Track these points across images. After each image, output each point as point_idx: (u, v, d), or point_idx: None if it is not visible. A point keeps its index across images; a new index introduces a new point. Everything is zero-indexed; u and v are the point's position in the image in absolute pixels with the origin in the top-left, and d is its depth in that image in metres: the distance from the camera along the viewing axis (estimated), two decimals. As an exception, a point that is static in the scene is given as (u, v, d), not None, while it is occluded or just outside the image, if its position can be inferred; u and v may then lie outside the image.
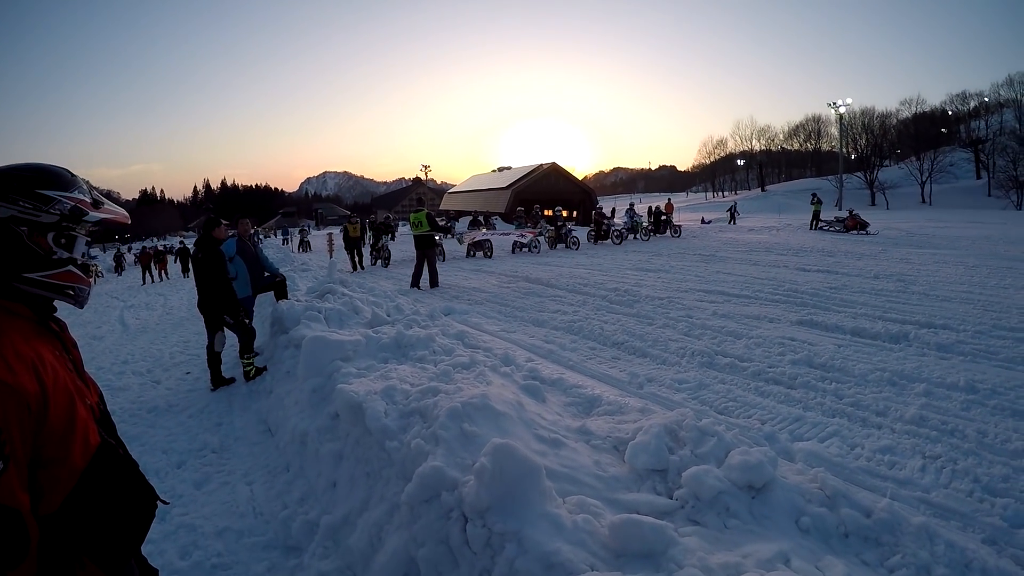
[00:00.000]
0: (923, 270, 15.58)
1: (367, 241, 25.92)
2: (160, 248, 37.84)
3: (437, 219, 19.96)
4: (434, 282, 15.50)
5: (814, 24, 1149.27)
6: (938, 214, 58.19)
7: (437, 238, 24.05)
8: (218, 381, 7.82)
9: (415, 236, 16.11)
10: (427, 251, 15.75)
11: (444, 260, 22.52)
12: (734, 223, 44.82)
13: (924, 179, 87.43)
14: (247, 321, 8.11)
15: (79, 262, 1.73)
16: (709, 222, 45.50)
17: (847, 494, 3.32)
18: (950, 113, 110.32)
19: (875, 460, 4.74)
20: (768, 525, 3.04)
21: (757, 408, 5.92)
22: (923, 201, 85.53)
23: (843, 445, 4.98)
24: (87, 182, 1.78)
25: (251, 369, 7.90)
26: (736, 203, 53.37)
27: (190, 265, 26.21)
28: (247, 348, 7.92)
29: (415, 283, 15.76)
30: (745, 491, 3.18)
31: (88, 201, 1.72)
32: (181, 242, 36.88)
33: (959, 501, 4.10)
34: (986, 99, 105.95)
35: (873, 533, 3.10)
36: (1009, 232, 29.73)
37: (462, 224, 37.32)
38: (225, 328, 7.88)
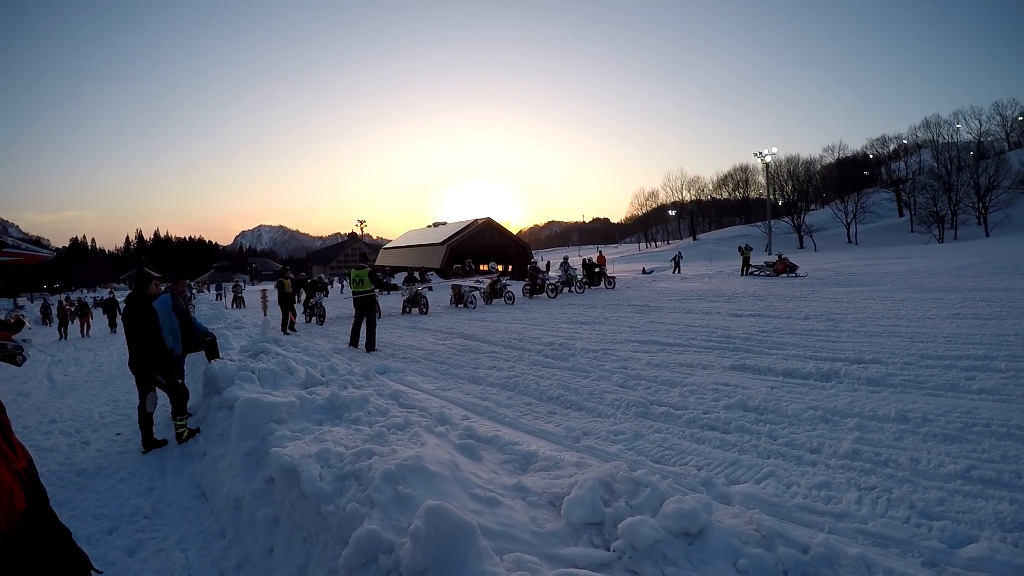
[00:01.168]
0: (851, 308, 16.09)
1: (299, 299, 25.71)
2: (82, 301, 34.48)
3: (379, 275, 19.77)
4: (371, 345, 14.76)
5: (740, 78, 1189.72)
6: (864, 253, 60.23)
7: (419, 288, 24.00)
8: (150, 443, 7.55)
9: (355, 295, 15.49)
10: (367, 311, 15.12)
11: (380, 316, 22.37)
12: (679, 271, 45.48)
13: (849, 220, 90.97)
14: (179, 381, 7.93)
15: None
16: (651, 272, 45.89)
17: (783, 533, 3.36)
18: (871, 156, 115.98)
19: (811, 496, 4.82)
20: (706, 570, 3.05)
21: (693, 455, 5.97)
22: (849, 241, 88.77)
23: (779, 485, 5.06)
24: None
25: (184, 431, 7.65)
26: (680, 252, 54.23)
27: (118, 320, 25.40)
28: (180, 409, 7.67)
29: (354, 342, 15.29)
30: (681, 538, 3.20)
31: None
32: (110, 293, 34.46)
33: (896, 528, 4.19)
34: (905, 141, 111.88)
35: (812, 569, 3.13)
36: (932, 265, 30.83)
37: (397, 279, 37.30)
38: (157, 388, 7.65)
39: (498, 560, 2.95)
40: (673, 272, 45.59)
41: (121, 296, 26.36)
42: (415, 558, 2.81)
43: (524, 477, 4.51)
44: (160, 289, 8.47)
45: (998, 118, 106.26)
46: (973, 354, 9.35)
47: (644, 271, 46.84)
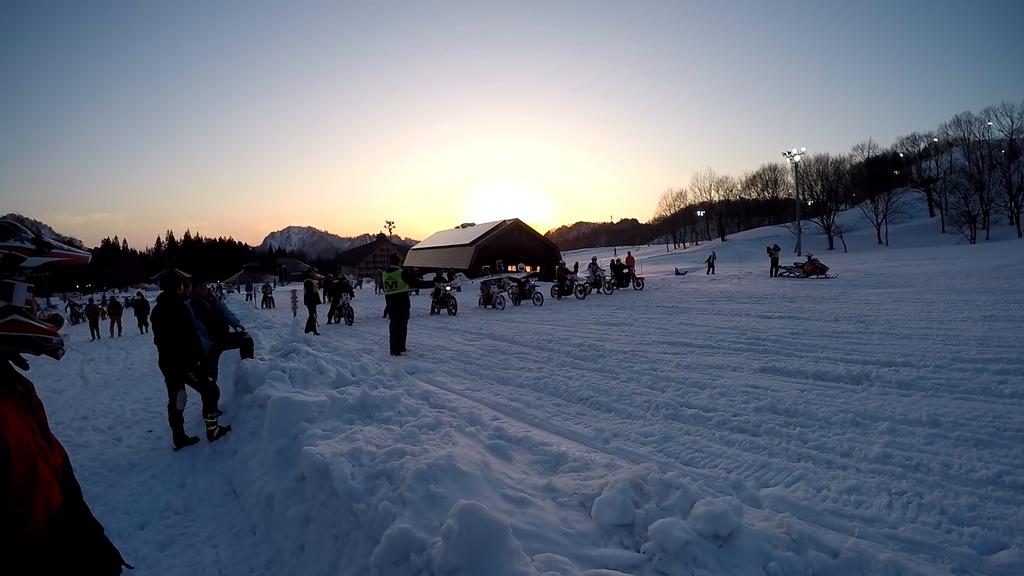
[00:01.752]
0: (882, 310, 15.88)
1: (326, 299, 25.82)
2: (115, 300, 33.86)
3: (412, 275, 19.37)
4: (399, 347, 14.44)
5: (768, 77, 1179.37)
6: (895, 254, 59.46)
7: (447, 289, 24.03)
8: (181, 440, 7.66)
9: (388, 297, 15.29)
10: (400, 312, 14.69)
11: (455, 314, 22.99)
12: (713, 271, 45.28)
13: (879, 220, 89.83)
14: (211, 379, 8.02)
15: (23, 310, 1.71)
16: (684, 272, 45.51)
17: (813, 536, 3.36)
18: (901, 155, 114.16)
19: (841, 501, 4.78)
20: (736, 573, 3.06)
21: (723, 457, 5.95)
22: (879, 242, 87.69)
23: (809, 488, 5.02)
24: (39, 228, 1.78)
25: (215, 429, 7.77)
26: (714, 252, 53.93)
27: (148, 320, 25.28)
28: (211, 407, 7.79)
29: (396, 349, 14.49)
30: (711, 540, 3.20)
31: (28, 248, 1.71)
32: (139, 294, 34.15)
33: (927, 534, 4.15)
34: (935, 140, 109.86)
35: (841, 573, 3.13)
36: (964, 266, 30.40)
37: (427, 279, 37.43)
38: (187, 386, 7.76)
39: (529, 560, 2.98)
40: (707, 272, 45.43)
41: (150, 297, 26.36)
42: (447, 557, 2.84)
43: (554, 478, 4.53)
44: (188, 292, 8.61)
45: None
46: (1006, 357, 9.19)
47: (677, 272, 46.37)
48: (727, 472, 5.52)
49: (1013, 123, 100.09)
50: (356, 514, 3.78)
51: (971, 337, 11.10)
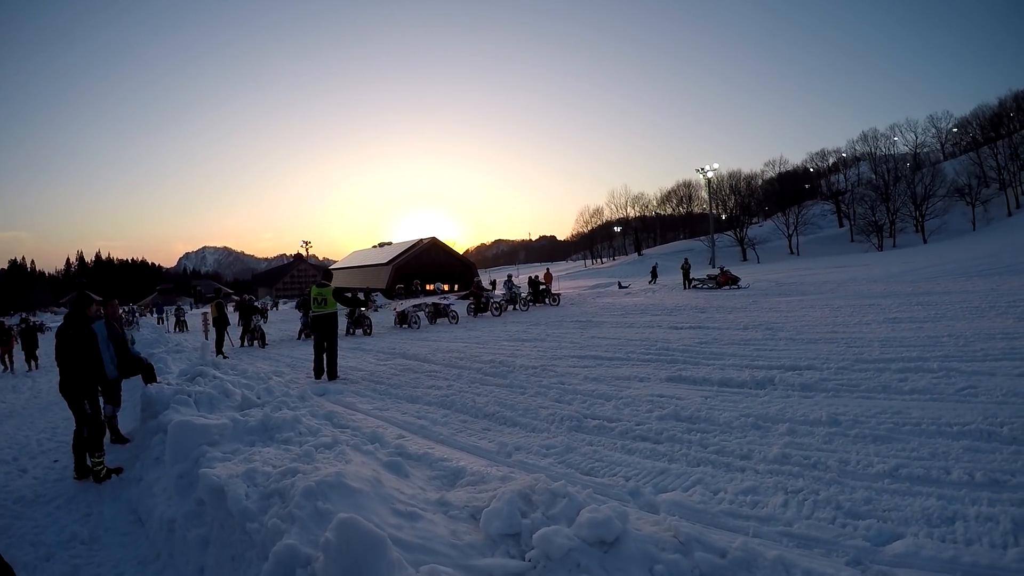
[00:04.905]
0: (790, 316, 16.40)
1: (237, 323, 25.30)
2: (4, 326, 25.61)
3: (347, 293, 18.31)
4: (333, 373, 13.12)
5: (682, 96, 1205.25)
6: (805, 263, 61.53)
7: (365, 311, 23.71)
8: (82, 471, 7.31)
9: (316, 316, 13.63)
10: (329, 335, 13.29)
11: (371, 334, 22.82)
12: (655, 282, 46.59)
13: (791, 232, 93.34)
14: (112, 409, 7.74)
15: None
16: (627, 287, 45.71)
17: (701, 538, 3.41)
18: (811, 170, 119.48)
19: (738, 502, 4.87)
20: (621, 577, 3.06)
21: (622, 466, 6.00)
22: (791, 252, 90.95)
23: (706, 491, 5.11)
24: None
25: (102, 469, 7.20)
26: (657, 263, 54.79)
27: (35, 353, 23.40)
28: (96, 445, 7.23)
29: (318, 372, 13.31)
30: (596, 547, 3.24)
31: None
32: (22, 319, 29.54)
33: (821, 529, 4.23)
34: (843, 155, 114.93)
35: (729, 572, 3.17)
36: (872, 272, 31.67)
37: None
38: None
39: (413, 572, 2.98)
40: (651, 282, 47.07)
41: (53, 322, 24.32)
42: (328, 570, 2.85)
43: (449, 492, 4.55)
44: (100, 313, 8.30)
45: (933, 130, 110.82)
46: (907, 356, 9.62)
47: (620, 286, 46.63)
48: (626, 480, 5.56)
49: (917, 138, 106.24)
50: (250, 533, 3.76)
51: (874, 339, 11.53)
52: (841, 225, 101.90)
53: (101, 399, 7.60)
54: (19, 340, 24.76)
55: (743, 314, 18.35)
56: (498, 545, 3.51)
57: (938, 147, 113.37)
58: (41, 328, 34.62)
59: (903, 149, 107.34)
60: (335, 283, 14.28)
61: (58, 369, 7.42)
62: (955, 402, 7.01)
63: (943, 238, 77.46)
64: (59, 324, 7.60)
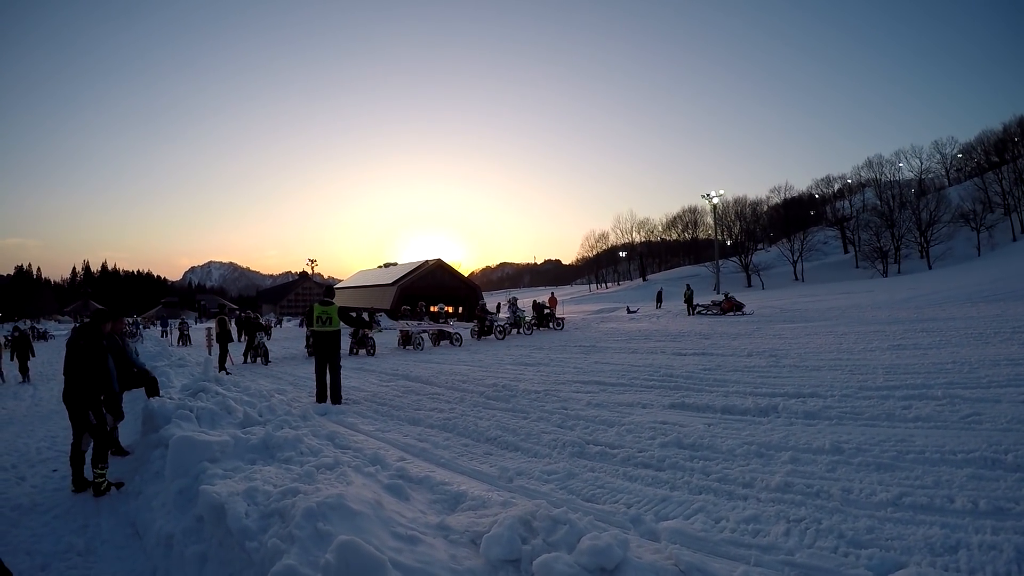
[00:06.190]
0: (794, 343, 16.34)
1: (240, 339, 25.23)
2: None
3: (352, 313, 17.64)
4: (337, 396, 12.51)
5: (689, 122, 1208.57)
6: (810, 289, 61.49)
7: (368, 333, 23.64)
8: (80, 483, 7.31)
9: (318, 334, 12.94)
10: (332, 356, 12.67)
11: (374, 354, 22.70)
12: (660, 307, 46.78)
13: (796, 258, 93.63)
14: (114, 422, 7.72)
15: None
16: (635, 311, 45.62)
17: (701, 566, 3.40)
18: (816, 196, 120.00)
19: (739, 530, 4.80)
20: (623, 605, 3.05)
21: (624, 493, 5.94)
22: (796, 279, 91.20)
23: (708, 520, 5.05)
24: None
25: (103, 482, 7.17)
26: (662, 289, 54.95)
27: (28, 365, 22.89)
28: (101, 456, 7.21)
29: (321, 396, 12.58)
30: (597, 574, 3.23)
31: None
32: (15, 329, 27.28)
33: (823, 558, 4.15)
34: (848, 181, 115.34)
35: (730, 601, 3.12)
36: (876, 299, 31.60)
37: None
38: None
39: (412, 596, 2.94)
40: (656, 307, 47.15)
41: (60, 330, 23.93)
42: None
43: (450, 516, 4.51)
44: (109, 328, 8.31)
45: (938, 156, 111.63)
46: (911, 383, 9.60)
47: (628, 310, 46.58)
48: (627, 507, 5.50)
49: (922, 164, 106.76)
50: (248, 552, 3.76)
51: (879, 366, 11.50)
52: (846, 251, 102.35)
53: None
54: (8, 350, 23.63)
55: (747, 340, 18.36)
56: (498, 571, 3.50)
57: (943, 173, 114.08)
58: (44, 335, 34.30)
59: (908, 175, 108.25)
60: (339, 301, 14.17)
61: (64, 378, 7.44)
62: (959, 430, 6.99)
63: (948, 264, 77.58)
64: (68, 335, 7.62)
